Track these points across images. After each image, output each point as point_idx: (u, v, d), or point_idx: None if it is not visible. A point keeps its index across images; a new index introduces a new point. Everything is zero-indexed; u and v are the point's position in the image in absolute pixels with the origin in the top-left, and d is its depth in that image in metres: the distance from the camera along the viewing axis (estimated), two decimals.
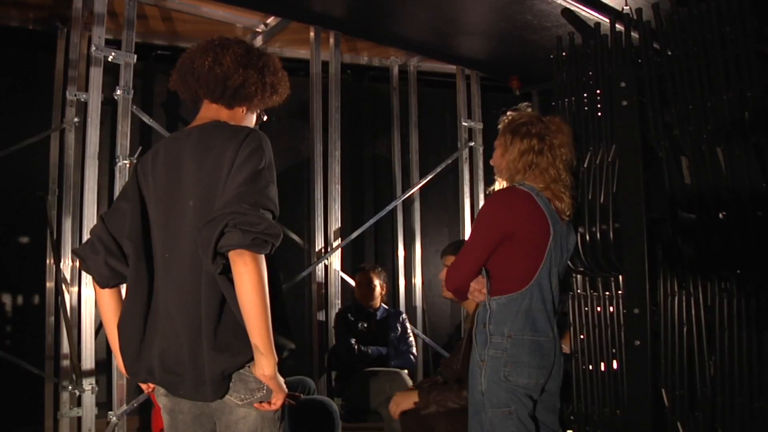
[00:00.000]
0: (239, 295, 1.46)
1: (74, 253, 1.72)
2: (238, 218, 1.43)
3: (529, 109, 2.30)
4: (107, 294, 1.69)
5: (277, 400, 1.54)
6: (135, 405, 3.35)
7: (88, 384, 3.40)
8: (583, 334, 2.56)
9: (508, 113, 2.31)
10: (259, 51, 1.73)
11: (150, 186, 1.65)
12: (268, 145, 1.58)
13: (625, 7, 2.97)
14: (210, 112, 1.71)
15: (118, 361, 1.69)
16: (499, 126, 2.31)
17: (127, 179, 1.75)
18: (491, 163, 2.35)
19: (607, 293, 2.52)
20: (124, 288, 1.70)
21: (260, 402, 1.55)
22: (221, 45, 1.67)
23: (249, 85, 1.67)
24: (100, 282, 1.66)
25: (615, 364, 2.47)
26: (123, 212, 1.66)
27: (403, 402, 2.77)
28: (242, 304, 1.46)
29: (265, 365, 1.48)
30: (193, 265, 1.55)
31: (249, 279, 1.44)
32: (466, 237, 4.84)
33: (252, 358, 1.51)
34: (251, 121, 1.78)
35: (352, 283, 4.15)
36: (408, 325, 3.92)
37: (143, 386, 1.74)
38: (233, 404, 1.55)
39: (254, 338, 1.47)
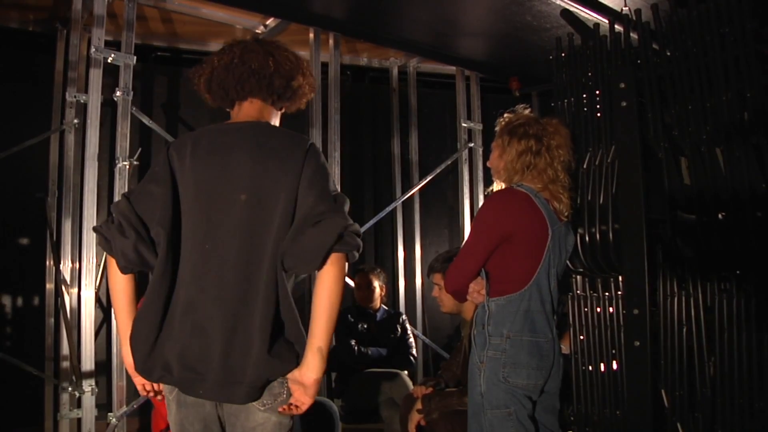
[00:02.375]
0: (326, 295, 1.48)
1: (96, 231, 1.60)
2: (352, 226, 1.50)
3: (527, 111, 2.30)
4: (125, 279, 1.59)
5: (304, 405, 1.52)
6: (135, 406, 3.34)
7: (88, 385, 3.39)
8: (582, 335, 2.56)
9: (506, 115, 2.31)
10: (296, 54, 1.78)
11: (187, 173, 1.58)
12: None
13: (624, 8, 2.98)
14: (253, 111, 1.70)
15: (124, 353, 1.60)
16: (497, 128, 2.32)
17: (159, 162, 1.62)
18: (488, 164, 2.35)
19: (607, 294, 2.52)
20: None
21: (285, 405, 1.53)
22: (272, 45, 1.71)
23: (304, 85, 1.73)
24: (124, 267, 1.56)
25: (615, 365, 2.47)
26: (152, 196, 1.57)
27: (414, 416, 2.77)
28: (325, 304, 1.48)
29: (319, 368, 1.49)
30: (237, 262, 1.51)
31: (341, 282, 1.49)
32: (466, 238, 4.83)
33: (294, 368, 1.50)
34: (278, 122, 1.79)
35: (352, 284, 4.15)
36: (408, 326, 3.92)
37: (140, 389, 1.66)
38: (253, 408, 1.52)
39: (322, 340, 1.48)
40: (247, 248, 1.51)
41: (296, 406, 1.52)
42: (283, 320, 1.51)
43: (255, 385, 1.48)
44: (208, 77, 1.71)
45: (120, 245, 1.55)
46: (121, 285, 1.60)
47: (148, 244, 1.55)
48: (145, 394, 1.67)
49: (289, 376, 1.51)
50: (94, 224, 3.39)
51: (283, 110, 1.78)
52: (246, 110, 1.70)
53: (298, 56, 1.76)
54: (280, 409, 1.52)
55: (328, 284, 1.48)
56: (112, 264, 1.58)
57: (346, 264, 1.51)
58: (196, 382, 1.51)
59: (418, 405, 2.73)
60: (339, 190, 1.60)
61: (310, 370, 1.48)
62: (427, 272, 3.14)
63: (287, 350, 1.50)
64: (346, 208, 1.55)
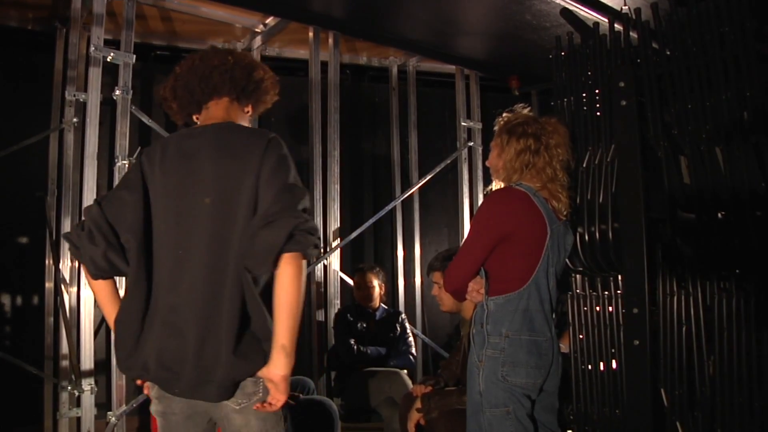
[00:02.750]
0: (283, 294, 1.50)
1: (66, 238, 1.64)
2: (304, 224, 1.50)
3: (526, 110, 2.30)
4: (103, 284, 1.65)
5: (278, 401, 1.54)
6: (134, 405, 3.34)
7: (87, 384, 3.39)
8: (582, 334, 2.56)
9: (504, 114, 2.31)
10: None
11: (157, 179, 1.62)
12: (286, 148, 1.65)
13: (624, 7, 2.97)
14: (220, 111, 1.73)
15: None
16: (495, 127, 2.32)
17: (132, 169, 1.69)
18: (487, 164, 2.36)
19: (607, 293, 2.52)
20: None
21: (259, 403, 1.55)
22: (227, 49, 1.76)
23: (267, 78, 1.76)
24: (95, 274, 1.61)
25: (614, 364, 2.47)
26: (123, 202, 1.61)
27: (414, 416, 2.76)
28: (284, 303, 1.50)
29: (286, 365, 1.51)
30: (207, 264, 1.54)
31: (297, 281, 1.51)
32: (465, 237, 4.82)
33: (261, 367, 1.53)
34: (247, 124, 1.82)
35: (352, 283, 4.15)
36: (407, 325, 3.92)
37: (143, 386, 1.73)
38: (230, 409, 1.56)
39: (284, 338, 1.50)
40: (214, 251, 1.54)
41: (270, 404, 1.55)
42: (250, 320, 1.55)
43: (224, 384, 1.52)
44: (173, 84, 1.76)
45: (89, 253, 1.58)
46: (100, 288, 1.65)
47: (118, 251, 1.59)
48: (147, 392, 1.72)
49: (261, 374, 1.54)
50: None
51: (249, 111, 1.80)
52: (212, 112, 1.74)
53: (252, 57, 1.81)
54: (257, 406, 1.55)
55: (284, 284, 1.50)
56: (86, 272, 1.63)
57: (304, 262, 1.53)
58: (172, 381, 1.56)
59: (418, 404, 2.73)
60: (300, 181, 1.60)
61: (276, 368, 1.51)
62: (427, 271, 3.14)
63: (253, 350, 1.53)
64: (304, 202, 1.56)
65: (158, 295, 1.59)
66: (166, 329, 1.55)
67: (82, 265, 1.65)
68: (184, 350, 1.53)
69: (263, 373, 1.53)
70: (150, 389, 1.66)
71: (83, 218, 1.64)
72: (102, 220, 1.59)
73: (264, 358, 1.53)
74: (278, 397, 1.53)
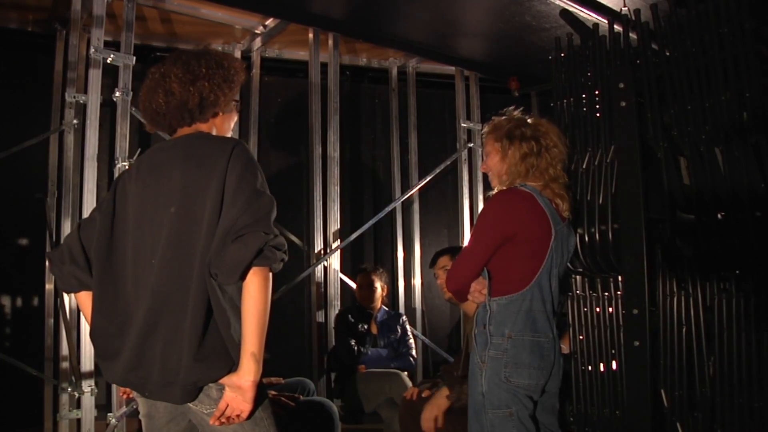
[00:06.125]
0: (251, 304, 1.54)
1: (47, 256, 1.81)
2: (273, 240, 1.55)
3: (516, 113, 2.29)
4: (81, 295, 1.74)
5: (244, 412, 1.56)
6: (134, 407, 3.34)
7: (88, 386, 3.39)
8: (582, 335, 2.56)
9: (494, 118, 2.30)
10: (196, 55, 1.73)
11: (131, 196, 1.67)
12: (253, 154, 1.69)
13: (623, 8, 2.98)
14: (188, 127, 1.76)
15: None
16: (483, 131, 2.31)
17: (110, 189, 1.79)
18: (483, 169, 2.35)
19: (606, 294, 2.52)
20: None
21: (225, 418, 1.58)
22: (163, 76, 1.71)
23: (208, 95, 1.70)
24: (64, 288, 1.75)
25: (614, 365, 2.47)
26: (94, 223, 1.71)
27: (433, 413, 2.66)
28: (252, 312, 1.54)
29: (254, 372, 1.53)
30: (172, 271, 1.57)
31: (264, 291, 1.55)
32: (465, 238, 4.84)
33: (225, 374, 1.55)
34: (231, 119, 1.83)
35: (352, 284, 4.14)
36: (408, 327, 3.92)
37: (120, 392, 1.82)
38: (202, 414, 1.59)
39: (254, 346, 1.53)
40: (179, 258, 1.58)
41: (237, 415, 1.57)
42: (216, 326, 1.57)
43: (187, 387, 1.55)
44: (144, 116, 1.80)
45: (58, 271, 1.72)
46: (80, 302, 1.76)
47: (84, 269, 1.69)
48: (121, 394, 1.83)
49: (227, 381, 1.55)
50: None
51: (219, 114, 1.77)
52: (185, 128, 1.76)
53: (194, 64, 1.70)
54: (218, 423, 1.57)
55: (251, 293, 1.55)
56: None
57: (270, 274, 1.57)
58: (140, 385, 1.60)
59: (445, 391, 2.66)
60: (266, 187, 1.62)
61: (245, 374, 1.53)
62: (432, 259, 3.12)
63: (217, 356, 1.56)
64: (272, 214, 1.59)
65: (127, 305, 1.63)
66: (132, 338, 1.59)
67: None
68: (152, 355, 1.57)
69: (232, 379, 1.54)
70: (132, 392, 1.72)
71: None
72: (75, 241, 1.71)
73: (228, 366, 1.55)
74: (243, 407, 1.55)
